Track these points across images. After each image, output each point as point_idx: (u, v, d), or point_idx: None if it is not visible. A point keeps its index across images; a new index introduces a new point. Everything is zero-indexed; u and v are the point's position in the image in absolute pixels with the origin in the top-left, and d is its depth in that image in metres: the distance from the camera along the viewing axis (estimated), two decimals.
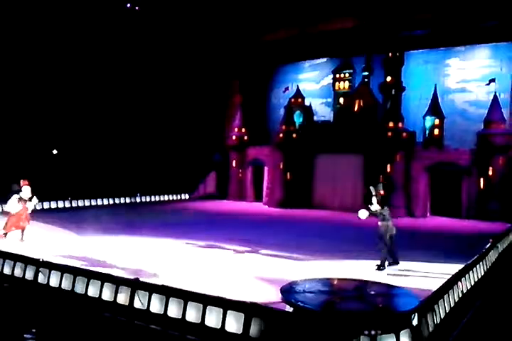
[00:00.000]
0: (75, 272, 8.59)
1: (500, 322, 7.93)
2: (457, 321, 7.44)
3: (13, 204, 13.19)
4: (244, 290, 8.85)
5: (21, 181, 13.46)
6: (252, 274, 10.28)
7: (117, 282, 8.00)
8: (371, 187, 11.22)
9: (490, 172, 20.88)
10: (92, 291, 8.15)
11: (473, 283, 9.12)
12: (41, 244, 12.87)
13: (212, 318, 6.82)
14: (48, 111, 24.88)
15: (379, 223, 10.99)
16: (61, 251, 12.09)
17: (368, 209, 11.03)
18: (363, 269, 10.85)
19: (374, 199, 11.01)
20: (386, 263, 10.84)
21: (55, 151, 26.77)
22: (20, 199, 13.22)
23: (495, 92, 22.25)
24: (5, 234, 13.20)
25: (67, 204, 22.02)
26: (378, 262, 10.84)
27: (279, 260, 11.91)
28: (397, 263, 11.00)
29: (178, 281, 8.77)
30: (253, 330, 6.48)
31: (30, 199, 13.30)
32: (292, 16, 26.97)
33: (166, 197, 27.13)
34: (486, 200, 20.87)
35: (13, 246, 11.91)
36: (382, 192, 11.18)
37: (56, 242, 13.46)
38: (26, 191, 13.26)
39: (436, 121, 23.33)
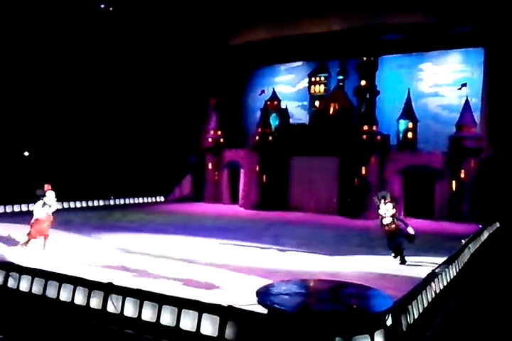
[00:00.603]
0: (46, 276, 8.41)
1: (472, 321, 8.06)
2: (430, 321, 7.54)
3: (38, 210, 12.64)
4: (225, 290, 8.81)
5: (45, 186, 12.98)
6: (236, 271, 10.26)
7: (90, 286, 7.86)
8: (381, 196, 12.63)
9: (462, 175, 21.29)
10: (64, 296, 8.00)
11: (445, 284, 9.25)
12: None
13: (188, 321, 6.76)
14: (19, 112, 24.39)
15: (390, 225, 12.27)
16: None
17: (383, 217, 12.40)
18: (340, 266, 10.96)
19: (388, 206, 12.34)
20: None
21: (26, 153, 26.23)
22: (45, 204, 12.68)
23: (466, 97, 22.69)
24: (26, 243, 12.55)
25: None
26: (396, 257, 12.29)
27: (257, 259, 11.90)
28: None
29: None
30: (229, 333, 6.45)
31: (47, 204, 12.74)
32: (268, 19, 27.08)
33: (141, 200, 26.80)
34: (458, 202, 21.26)
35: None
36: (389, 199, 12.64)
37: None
38: (51, 196, 12.78)
39: (410, 125, 23.70)
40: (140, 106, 28.12)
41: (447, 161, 21.75)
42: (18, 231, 14.15)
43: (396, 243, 12.21)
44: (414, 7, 23.90)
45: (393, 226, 12.25)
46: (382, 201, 12.45)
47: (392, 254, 12.38)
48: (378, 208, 12.52)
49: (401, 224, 12.36)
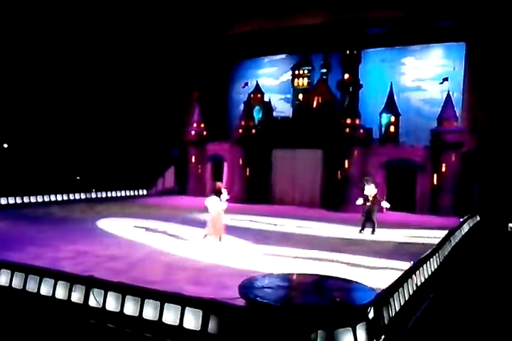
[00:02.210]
0: (27, 270, 8.29)
1: (453, 313, 8.18)
2: (411, 313, 7.63)
3: (215, 207, 12.81)
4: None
5: (218, 183, 14.00)
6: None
7: (71, 280, 7.78)
8: (366, 178, 16.14)
9: (443, 169, 21.51)
10: (45, 290, 7.90)
11: (426, 277, 9.36)
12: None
13: (170, 315, 6.74)
14: None
15: (371, 205, 15.45)
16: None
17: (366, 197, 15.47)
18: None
19: (372, 187, 15.52)
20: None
21: (5, 145, 25.80)
22: (219, 201, 12.94)
23: (448, 91, 22.87)
24: (205, 237, 13.00)
25: (19, 201, 21.22)
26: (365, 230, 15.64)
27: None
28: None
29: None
30: (212, 327, 6.45)
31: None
32: (252, 12, 26.93)
33: (123, 193, 26.54)
34: (438, 195, 21.51)
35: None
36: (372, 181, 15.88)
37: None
38: (224, 193, 13.31)
39: (392, 119, 23.85)
40: (122, 98, 27.81)
41: (429, 155, 21.97)
42: None
43: (371, 219, 15.43)
44: (397, 1, 24.00)
45: (373, 204, 15.42)
46: (367, 183, 15.60)
47: (359, 229, 15.64)
48: (363, 189, 15.58)
49: (380, 200, 15.83)
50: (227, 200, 13.31)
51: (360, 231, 15.65)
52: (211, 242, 12.86)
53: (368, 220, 15.50)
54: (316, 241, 14.18)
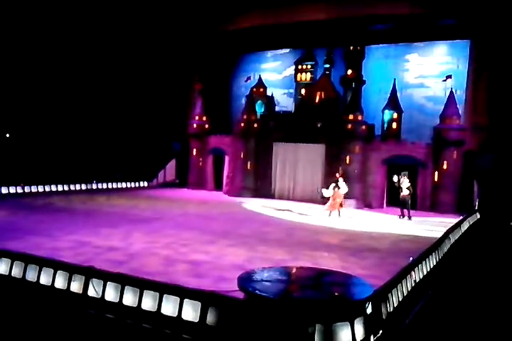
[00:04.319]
0: (27, 259, 8.32)
1: (450, 311, 8.20)
2: (409, 310, 7.65)
3: (329, 190, 18.61)
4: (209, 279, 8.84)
5: (337, 174, 19.16)
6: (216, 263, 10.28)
7: (70, 270, 7.80)
8: (404, 173, 18.73)
9: (444, 166, 21.48)
10: (45, 279, 7.93)
11: (425, 273, 9.38)
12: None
13: (169, 307, 6.76)
14: (0, 94, 23.91)
15: (408, 195, 18.57)
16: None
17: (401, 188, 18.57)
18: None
19: (406, 180, 18.50)
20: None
21: (7, 135, 25.80)
22: (336, 186, 18.55)
23: (451, 88, 22.81)
24: (329, 213, 18.54)
25: (20, 190, 21.26)
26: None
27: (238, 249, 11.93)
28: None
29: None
30: (210, 318, 6.47)
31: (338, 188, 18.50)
32: (256, 6, 26.79)
33: (124, 185, 26.56)
34: (439, 193, 21.50)
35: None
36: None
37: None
38: (342, 182, 18.59)
39: (395, 115, 23.77)
40: (125, 90, 27.77)
41: (430, 152, 21.94)
42: None
43: (406, 207, 18.59)
44: None
45: (408, 194, 18.49)
46: (404, 177, 18.48)
47: (400, 215, 18.82)
48: (400, 183, 18.51)
49: (410, 191, 18.67)
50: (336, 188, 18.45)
51: (400, 217, 18.86)
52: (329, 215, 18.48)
53: (404, 208, 18.63)
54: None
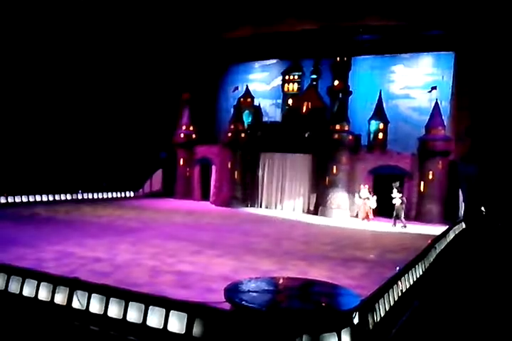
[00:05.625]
0: (9, 270, 8.18)
1: (436, 321, 8.21)
2: (396, 320, 7.64)
3: (357, 199, 21.02)
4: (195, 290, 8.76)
5: (363, 185, 21.09)
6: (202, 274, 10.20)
7: (54, 281, 7.68)
8: (395, 184, 19.92)
9: (430, 176, 21.68)
10: (28, 291, 7.80)
11: (411, 283, 9.40)
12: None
13: (155, 318, 6.68)
14: None
15: (400, 204, 19.66)
16: None
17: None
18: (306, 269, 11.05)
19: (395, 191, 19.71)
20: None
21: None
22: (360, 197, 20.75)
23: (436, 100, 23.09)
24: (362, 219, 20.66)
25: (3, 200, 20.96)
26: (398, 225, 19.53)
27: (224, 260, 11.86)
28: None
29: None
30: (196, 330, 6.40)
31: (367, 198, 20.59)
32: (244, 17, 26.94)
33: (110, 195, 26.33)
34: (425, 203, 21.65)
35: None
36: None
37: None
38: (364, 192, 20.66)
39: (381, 126, 23.99)
40: (111, 99, 27.65)
41: (416, 162, 22.13)
42: None
43: (399, 216, 19.51)
44: (388, 10, 24.20)
45: (400, 203, 19.59)
46: (395, 188, 19.71)
47: (392, 223, 19.56)
48: (392, 193, 19.64)
49: (404, 201, 19.90)
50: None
51: (393, 226, 19.62)
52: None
53: (397, 217, 19.50)
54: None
